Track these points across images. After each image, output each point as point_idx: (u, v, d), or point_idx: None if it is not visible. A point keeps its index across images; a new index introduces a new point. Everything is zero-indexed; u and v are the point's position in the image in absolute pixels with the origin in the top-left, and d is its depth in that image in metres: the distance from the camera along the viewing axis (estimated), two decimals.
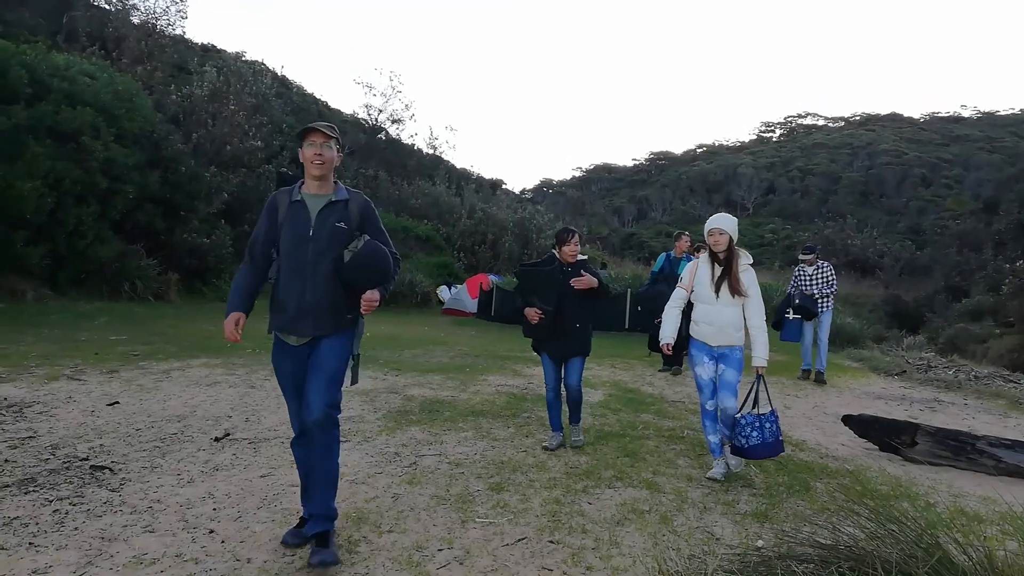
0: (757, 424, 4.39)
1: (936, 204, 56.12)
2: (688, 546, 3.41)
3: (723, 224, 4.60)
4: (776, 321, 9.05)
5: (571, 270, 5.01)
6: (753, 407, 4.44)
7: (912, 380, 10.83)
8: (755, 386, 4.44)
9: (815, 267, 9.46)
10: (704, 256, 4.73)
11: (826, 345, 9.53)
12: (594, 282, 4.96)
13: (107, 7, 22.72)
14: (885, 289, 30.58)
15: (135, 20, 21.90)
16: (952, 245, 34.48)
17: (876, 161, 68.44)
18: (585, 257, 5.19)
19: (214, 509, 3.63)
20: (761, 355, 4.46)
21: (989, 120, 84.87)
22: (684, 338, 4.73)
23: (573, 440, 5.23)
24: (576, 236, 5.09)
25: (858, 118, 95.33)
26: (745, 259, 4.62)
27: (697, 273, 4.72)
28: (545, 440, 5.26)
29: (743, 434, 4.42)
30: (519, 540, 3.41)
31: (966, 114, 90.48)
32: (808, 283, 9.45)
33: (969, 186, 57.60)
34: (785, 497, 4.31)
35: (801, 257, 9.78)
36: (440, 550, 3.27)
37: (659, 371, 9.38)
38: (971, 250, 31.34)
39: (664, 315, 4.79)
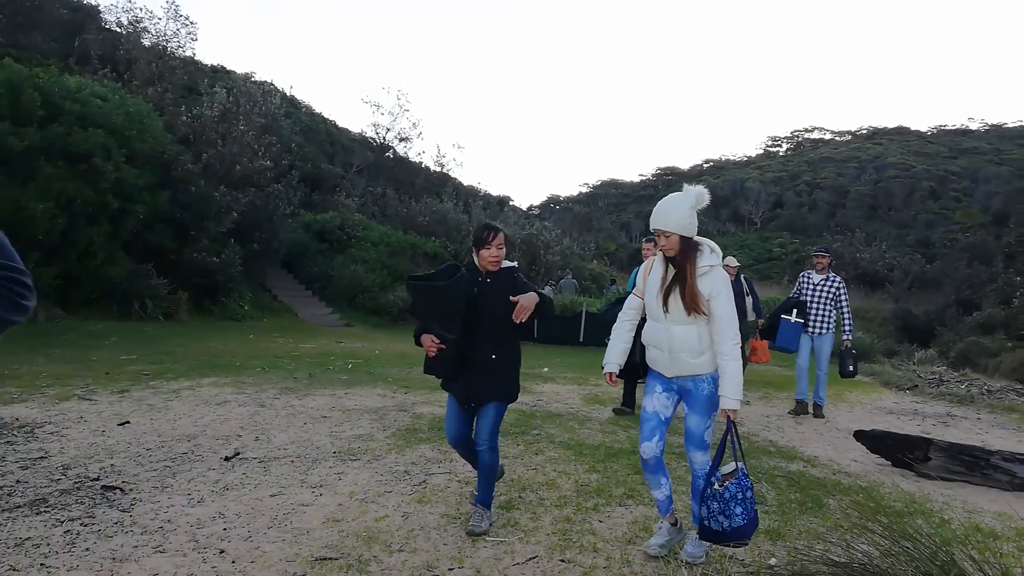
0: (741, 496, 3.15)
1: (945, 217, 55.91)
2: (700, 565, 3.38)
3: (665, 222, 3.27)
4: (771, 324, 7.96)
5: (492, 282, 3.72)
6: (726, 460, 3.32)
7: (924, 394, 10.75)
8: (726, 438, 3.27)
9: (825, 277, 7.92)
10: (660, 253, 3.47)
11: (826, 374, 8.03)
12: (532, 303, 3.54)
13: (118, 30, 23.10)
14: (895, 303, 30.45)
15: (146, 42, 22.21)
16: (962, 258, 34.33)
17: (884, 174, 68.28)
18: (513, 264, 3.86)
19: (224, 529, 3.63)
20: (731, 394, 3.24)
21: (997, 132, 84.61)
22: (639, 365, 3.69)
23: (471, 525, 3.71)
24: (500, 236, 3.74)
25: (865, 132, 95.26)
26: (708, 257, 3.31)
27: (649, 277, 3.50)
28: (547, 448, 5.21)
29: (727, 512, 3.14)
30: (530, 559, 3.39)
31: (974, 127, 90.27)
32: (811, 293, 7.92)
33: (978, 199, 57.40)
34: (798, 514, 4.27)
35: (814, 254, 8.23)
36: (451, 569, 3.25)
37: (614, 411, 7.44)
38: (981, 263, 31.20)
39: (612, 333, 3.67)
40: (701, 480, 3.37)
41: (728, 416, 3.28)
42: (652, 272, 3.45)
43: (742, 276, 9.55)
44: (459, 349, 3.60)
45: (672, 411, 3.49)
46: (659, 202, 3.36)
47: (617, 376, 3.68)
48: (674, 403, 3.49)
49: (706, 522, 3.20)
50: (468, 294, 3.63)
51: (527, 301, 3.51)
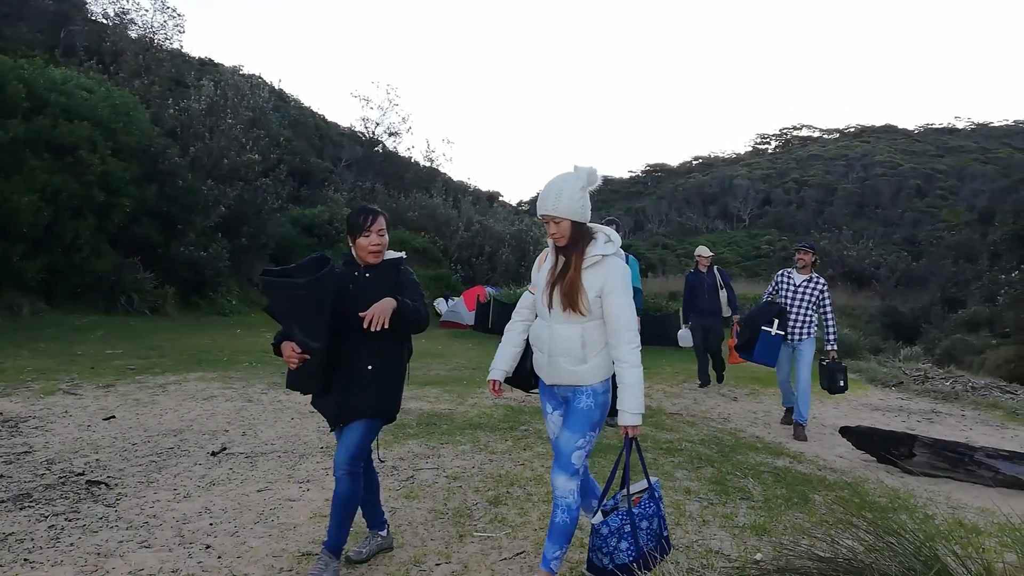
0: (628, 529, 2.79)
1: (931, 215, 56.27)
2: (687, 559, 3.40)
3: (554, 205, 2.79)
4: (746, 339, 6.89)
5: (371, 277, 3.12)
6: (621, 489, 2.96)
7: (909, 391, 10.84)
8: (622, 458, 2.92)
9: (807, 278, 6.89)
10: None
11: (808, 387, 6.74)
12: (385, 312, 2.83)
13: (105, 21, 22.85)
14: (881, 300, 30.61)
15: (132, 34, 21.99)
16: (948, 256, 34.54)
17: (871, 172, 68.65)
18: (400, 255, 3.25)
19: (211, 524, 3.62)
20: (629, 407, 2.78)
21: (983, 131, 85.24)
22: (531, 373, 3.16)
23: (352, 552, 3.25)
24: (380, 221, 3.11)
25: (853, 129, 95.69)
26: (601, 246, 2.83)
27: (541, 269, 3.02)
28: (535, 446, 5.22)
29: (604, 548, 2.83)
30: (517, 554, 3.40)
31: (960, 125, 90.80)
32: (791, 296, 6.89)
33: (964, 197, 57.79)
34: (783, 510, 4.30)
35: (797, 251, 7.20)
36: (438, 564, 3.25)
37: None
38: (967, 261, 31.41)
39: (504, 335, 3.21)
40: (561, 512, 2.88)
41: (627, 434, 2.84)
42: (545, 263, 2.98)
43: (716, 268, 9.48)
44: (328, 360, 2.97)
45: None
46: (546, 184, 2.87)
47: (506, 384, 3.22)
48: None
49: (591, 554, 2.91)
50: (340, 292, 2.98)
51: (379, 309, 2.81)
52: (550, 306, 2.86)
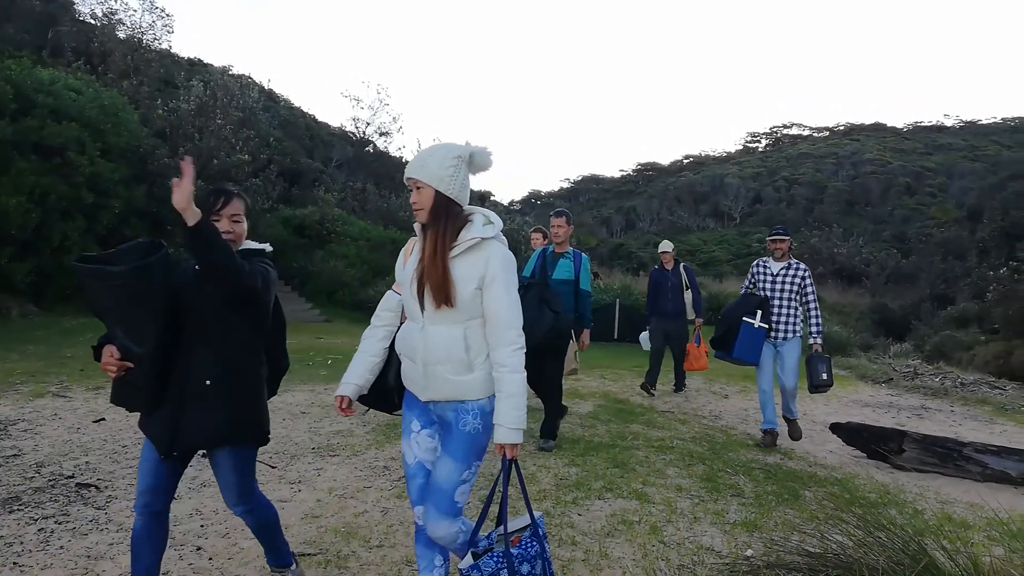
0: (505, 574, 2.26)
1: (920, 212, 56.60)
2: (678, 556, 3.41)
3: (419, 168, 2.35)
4: (724, 332, 6.10)
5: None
6: (499, 526, 2.41)
7: (899, 387, 10.90)
8: (498, 483, 2.40)
9: (786, 265, 6.11)
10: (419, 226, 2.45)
11: (794, 384, 6.03)
12: (183, 196, 2.21)
13: (93, 22, 22.70)
14: (871, 297, 30.79)
15: (121, 35, 21.88)
16: (937, 253, 34.79)
17: (861, 170, 69.05)
18: (262, 247, 2.77)
19: (201, 526, 3.61)
20: (509, 421, 2.30)
21: (972, 129, 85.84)
22: (393, 389, 2.64)
23: None
24: (236, 204, 2.64)
25: (842, 128, 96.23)
26: (479, 228, 2.34)
27: (408, 260, 2.52)
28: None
29: None
30: None
31: (949, 123, 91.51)
32: (770, 286, 6.09)
33: (953, 194, 58.16)
34: (774, 506, 4.32)
35: (770, 239, 6.30)
36: None
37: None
38: (956, 258, 31.65)
39: (361, 344, 2.68)
40: (446, 545, 2.42)
41: (504, 454, 2.32)
42: (411, 255, 2.48)
43: (682, 265, 8.65)
44: (156, 370, 2.40)
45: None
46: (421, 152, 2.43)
47: (362, 402, 2.68)
48: (438, 444, 2.49)
49: None
50: (178, 287, 2.44)
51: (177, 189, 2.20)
52: (422, 304, 2.34)
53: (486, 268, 2.30)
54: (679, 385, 9.05)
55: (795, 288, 6.02)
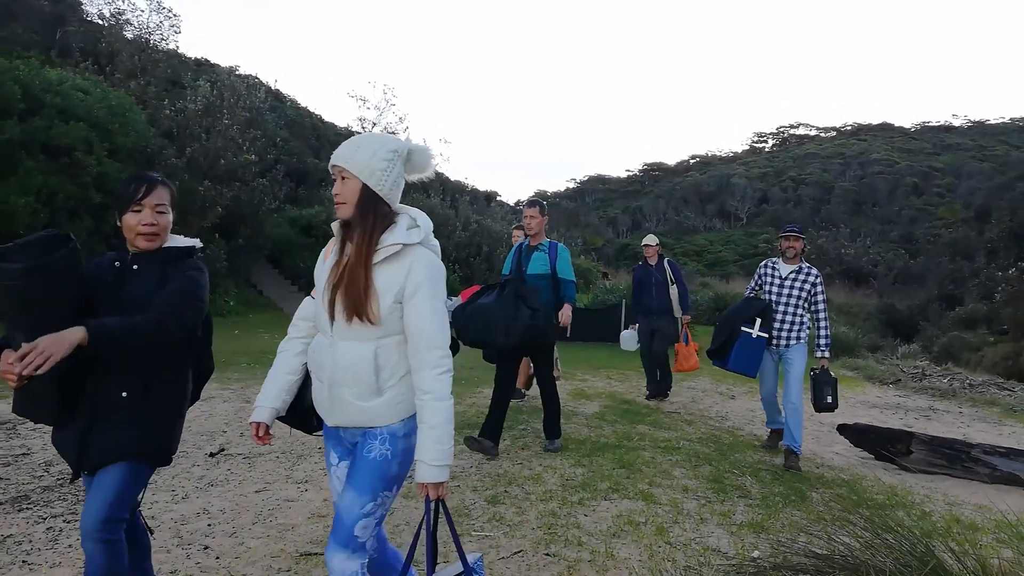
0: None
1: (928, 213, 56.45)
2: (684, 557, 3.41)
3: (346, 157, 2.05)
4: (721, 343, 5.63)
5: (140, 269, 2.28)
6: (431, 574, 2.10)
7: (907, 389, 10.86)
8: (424, 525, 2.10)
9: (796, 269, 5.61)
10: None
11: (800, 405, 5.48)
12: (62, 345, 1.92)
13: (100, 22, 22.82)
14: (879, 298, 30.70)
15: (128, 35, 21.97)
16: (945, 253, 34.66)
17: (868, 170, 68.90)
18: (192, 243, 2.41)
19: (209, 525, 3.62)
20: (431, 457, 1.99)
21: (980, 129, 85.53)
22: (311, 408, 2.30)
23: None
24: (160, 193, 2.29)
25: (849, 128, 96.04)
26: (402, 232, 2.05)
27: (324, 264, 2.19)
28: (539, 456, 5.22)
29: None
30: (515, 553, 3.40)
31: (957, 123, 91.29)
32: (777, 291, 5.61)
33: (961, 195, 57.98)
34: (781, 507, 4.31)
35: (782, 236, 5.78)
36: (436, 563, 3.25)
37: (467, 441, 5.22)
38: (964, 258, 31.53)
39: (276, 359, 2.34)
40: None
41: (427, 493, 2.02)
42: (330, 257, 2.17)
43: (667, 261, 8.06)
44: (62, 379, 2.09)
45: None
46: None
47: (282, 420, 2.38)
48: None
49: None
50: (92, 287, 2.19)
51: (44, 345, 1.89)
52: (332, 316, 2.06)
53: (407, 279, 2.02)
54: (662, 390, 8.23)
55: (804, 295, 5.54)
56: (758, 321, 5.47)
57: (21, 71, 13.31)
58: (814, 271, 5.63)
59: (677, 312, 7.87)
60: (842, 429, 6.18)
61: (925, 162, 70.65)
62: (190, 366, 2.44)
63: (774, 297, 5.62)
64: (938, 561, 2.36)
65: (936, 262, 34.42)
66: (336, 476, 2.22)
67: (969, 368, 15.39)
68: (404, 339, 2.06)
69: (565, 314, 5.42)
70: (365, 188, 2.04)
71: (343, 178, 2.05)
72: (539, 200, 5.65)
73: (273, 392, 2.30)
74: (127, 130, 14.69)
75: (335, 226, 2.15)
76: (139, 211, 2.26)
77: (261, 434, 2.28)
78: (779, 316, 5.57)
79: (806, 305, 5.58)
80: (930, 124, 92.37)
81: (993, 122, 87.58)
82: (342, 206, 2.06)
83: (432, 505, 2.05)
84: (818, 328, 5.56)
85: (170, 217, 2.34)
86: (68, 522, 3.55)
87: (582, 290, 21.39)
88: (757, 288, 5.87)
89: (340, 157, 2.05)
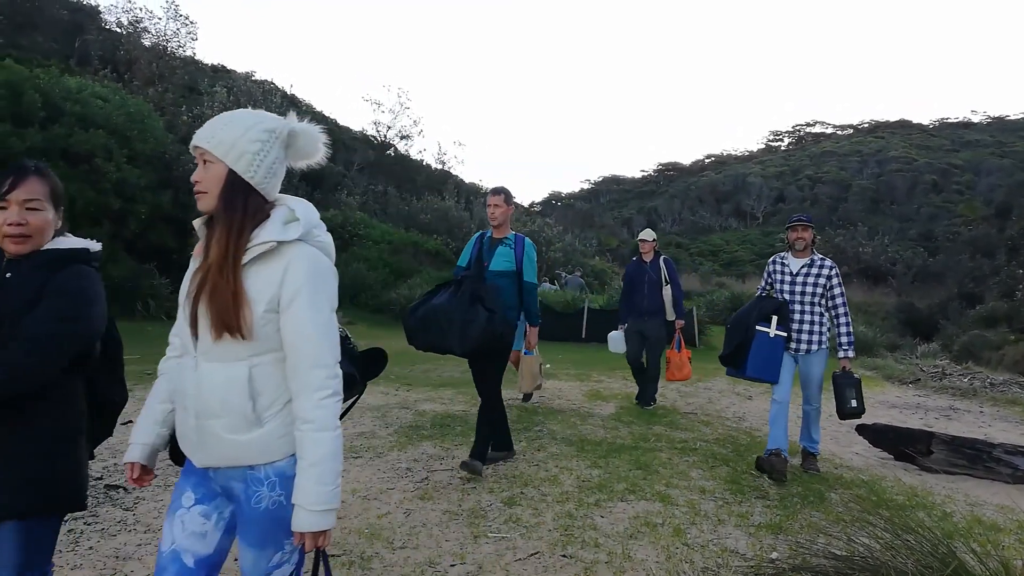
0: None
1: (947, 210, 55.85)
2: (702, 559, 3.39)
3: (209, 136, 1.70)
4: (734, 347, 5.08)
5: (13, 277, 1.89)
6: None
7: (927, 388, 10.75)
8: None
9: (808, 262, 5.08)
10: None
11: (818, 406, 5.19)
12: None
13: (118, 30, 23.14)
14: (898, 297, 30.41)
15: (146, 43, 22.27)
16: (965, 251, 34.28)
17: (886, 168, 68.26)
18: (85, 245, 2.03)
19: None
20: (310, 501, 1.65)
21: (999, 125, 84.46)
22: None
23: None
24: (30, 185, 1.92)
25: (867, 125, 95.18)
26: (277, 228, 1.69)
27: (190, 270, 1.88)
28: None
29: None
30: (532, 555, 3.40)
31: (976, 119, 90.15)
32: (789, 287, 5.09)
33: (980, 192, 57.34)
34: (799, 508, 4.28)
35: (789, 227, 5.24)
36: (453, 565, 3.26)
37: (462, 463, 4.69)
38: (984, 256, 31.15)
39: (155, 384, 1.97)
40: None
41: (303, 544, 1.67)
42: (192, 263, 1.86)
43: (662, 258, 7.41)
44: None
45: (219, 542, 1.82)
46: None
47: (170, 459, 1.96)
48: (224, 523, 1.81)
49: None
50: None
51: None
52: (195, 331, 1.71)
53: (283, 283, 1.66)
54: (650, 398, 7.56)
55: (819, 290, 4.99)
56: (774, 319, 4.92)
57: (41, 79, 13.52)
58: (828, 262, 5.10)
59: (670, 315, 7.28)
60: (861, 429, 6.13)
61: (944, 159, 69.90)
62: (80, 393, 2.08)
63: (787, 296, 5.07)
64: (960, 562, 2.34)
65: (956, 260, 34.03)
66: (180, 520, 1.75)
67: (990, 367, 15.19)
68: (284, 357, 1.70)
69: (531, 341, 5.19)
70: (231, 174, 1.68)
71: (205, 162, 1.69)
72: (504, 188, 5.02)
73: (145, 427, 1.90)
74: (145, 136, 14.88)
75: (198, 223, 1.79)
76: (5, 208, 1.88)
77: (136, 476, 1.90)
78: (795, 316, 5.01)
79: (823, 302, 5.05)
80: (949, 120, 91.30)
81: (1013, 118, 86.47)
82: (203, 196, 1.70)
83: (314, 557, 1.71)
84: (838, 325, 5.06)
85: (48, 215, 1.94)
86: (88, 524, 3.59)
87: (597, 291, 21.32)
88: (768, 287, 5.32)
89: (201, 137, 1.69)
